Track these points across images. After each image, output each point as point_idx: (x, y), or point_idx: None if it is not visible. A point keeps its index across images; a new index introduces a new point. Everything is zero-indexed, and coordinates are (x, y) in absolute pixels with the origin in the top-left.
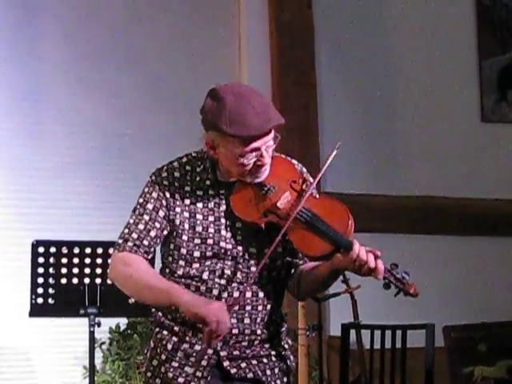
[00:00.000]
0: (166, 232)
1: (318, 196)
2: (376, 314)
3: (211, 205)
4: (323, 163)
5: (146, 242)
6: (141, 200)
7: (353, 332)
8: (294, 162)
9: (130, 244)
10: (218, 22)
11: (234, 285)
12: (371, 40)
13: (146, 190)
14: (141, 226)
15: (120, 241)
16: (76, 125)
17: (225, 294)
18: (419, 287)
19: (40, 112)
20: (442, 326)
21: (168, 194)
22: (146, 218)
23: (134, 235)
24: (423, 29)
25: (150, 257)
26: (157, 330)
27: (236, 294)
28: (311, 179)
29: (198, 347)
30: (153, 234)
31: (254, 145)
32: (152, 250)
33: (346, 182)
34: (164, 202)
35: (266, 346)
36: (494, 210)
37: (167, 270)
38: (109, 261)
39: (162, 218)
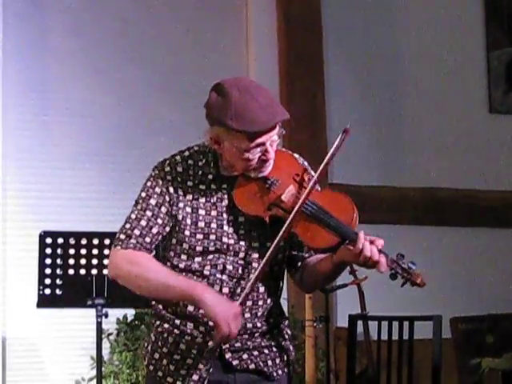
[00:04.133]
0: (168, 228)
1: (320, 189)
2: (383, 306)
3: (214, 199)
4: (330, 150)
5: (147, 239)
6: (143, 194)
7: (360, 323)
8: (296, 155)
9: (133, 241)
10: (226, 14)
11: (235, 280)
12: (379, 31)
13: (149, 184)
14: (143, 223)
15: (122, 236)
16: (84, 116)
17: (225, 290)
18: (427, 279)
19: (48, 103)
20: (450, 317)
21: (171, 190)
22: (149, 213)
23: (137, 231)
24: (431, 20)
25: (152, 254)
26: (157, 323)
27: (238, 290)
28: (313, 173)
29: (199, 340)
30: (155, 230)
31: (259, 140)
32: (153, 246)
33: (354, 173)
34: (167, 198)
35: (267, 336)
36: (502, 201)
37: (168, 264)
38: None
39: (164, 213)
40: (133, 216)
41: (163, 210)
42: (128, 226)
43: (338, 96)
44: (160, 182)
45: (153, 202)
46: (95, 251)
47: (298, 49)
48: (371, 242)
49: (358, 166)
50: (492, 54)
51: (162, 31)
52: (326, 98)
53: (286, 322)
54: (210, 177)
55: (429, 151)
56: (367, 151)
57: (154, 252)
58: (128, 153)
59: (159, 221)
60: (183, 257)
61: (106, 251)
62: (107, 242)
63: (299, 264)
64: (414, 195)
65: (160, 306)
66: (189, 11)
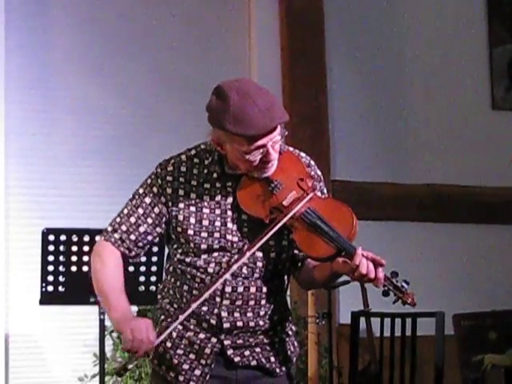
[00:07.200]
0: (159, 229)
1: (324, 197)
2: (386, 302)
3: (218, 198)
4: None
5: (132, 237)
6: (141, 190)
7: (363, 320)
8: (302, 155)
9: (116, 236)
10: (229, 11)
11: (239, 279)
12: (381, 28)
13: (149, 181)
14: (132, 219)
15: (109, 228)
16: (86, 113)
17: (228, 289)
18: (430, 275)
19: (50, 100)
20: (452, 314)
21: (170, 190)
22: (140, 211)
23: (124, 227)
24: (434, 16)
25: (133, 253)
26: (162, 317)
27: (240, 289)
28: (319, 172)
29: (202, 335)
30: (142, 229)
31: (259, 143)
32: (140, 244)
33: (355, 170)
34: (163, 199)
35: (270, 333)
36: (506, 198)
37: (175, 259)
38: None
39: (156, 214)
40: (125, 211)
41: (156, 210)
42: (118, 219)
43: (340, 93)
44: (159, 182)
45: (147, 200)
46: None
47: (301, 47)
48: (371, 260)
49: (360, 162)
50: (494, 50)
51: (165, 28)
52: (328, 95)
53: (290, 318)
54: (215, 175)
55: (431, 148)
56: (370, 148)
57: (137, 250)
58: (130, 150)
59: (149, 220)
60: (190, 254)
61: None
62: None
63: (299, 264)
64: (416, 192)
65: (166, 301)
66: (191, 9)
